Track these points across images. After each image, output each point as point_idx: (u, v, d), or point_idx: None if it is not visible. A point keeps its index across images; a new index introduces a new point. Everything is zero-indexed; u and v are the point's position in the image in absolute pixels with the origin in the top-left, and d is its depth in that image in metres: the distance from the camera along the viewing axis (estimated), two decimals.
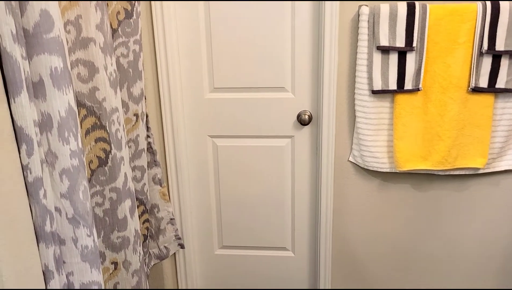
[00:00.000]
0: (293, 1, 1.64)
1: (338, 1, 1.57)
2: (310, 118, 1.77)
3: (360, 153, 1.72)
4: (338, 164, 1.79)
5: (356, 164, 1.77)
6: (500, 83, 1.53)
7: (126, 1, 1.43)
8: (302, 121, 1.76)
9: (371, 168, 1.72)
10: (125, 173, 1.37)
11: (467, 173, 1.68)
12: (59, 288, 0.99)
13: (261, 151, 1.86)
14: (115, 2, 1.39)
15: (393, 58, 1.54)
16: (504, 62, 1.51)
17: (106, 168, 1.31)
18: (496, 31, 1.47)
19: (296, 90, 1.76)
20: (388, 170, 1.71)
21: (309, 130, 1.81)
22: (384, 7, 1.50)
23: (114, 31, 1.43)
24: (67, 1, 1.13)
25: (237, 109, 1.80)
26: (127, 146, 1.41)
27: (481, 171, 1.67)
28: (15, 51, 0.85)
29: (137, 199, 1.65)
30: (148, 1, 1.62)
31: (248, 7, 1.66)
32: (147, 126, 1.67)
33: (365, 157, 1.71)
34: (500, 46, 1.48)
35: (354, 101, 1.67)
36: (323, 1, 1.58)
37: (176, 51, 1.70)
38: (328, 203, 1.83)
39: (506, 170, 1.70)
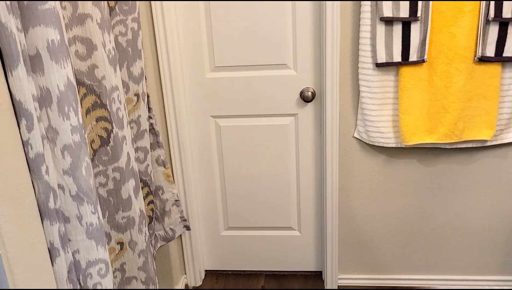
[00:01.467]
0: None
1: None
2: (314, 94, 1.74)
3: (365, 129, 1.69)
4: (343, 140, 1.77)
5: (361, 140, 1.75)
6: (508, 52, 1.49)
7: None
8: (305, 98, 1.73)
9: (376, 144, 1.69)
10: (128, 153, 1.35)
11: (474, 145, 1.65)
12: (65, 265, 0.98)
13: (264, 130, 1.84)
14: None
15: (397, 29, 1.51)
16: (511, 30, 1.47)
17: (108, 147, 1.29)
18: None
19: (299, 67, 1.73)
20: (394, 145, 1.68)
21: (312, 107, 1.78)
22: None
23: (111, 9, 1.40)
24: None
25: (239, 88, 1.77)
26: (128, 126, 1.39)
27: (488, 144, 1.65)
28: (10, 23, 0.82)
29: (141, 180, 1.63)
30: None
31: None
32: (148, 107, 1.65)
33: (370, 133, 1.68)
34: (507, 13, 1.44)
35: (358, 76, 1.64)
36: None
37: (175, 30, 1.67)
38: (333, 180, 1.81)
39: None
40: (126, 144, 1.34)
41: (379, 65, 1.55)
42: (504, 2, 1.43)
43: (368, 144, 1.75)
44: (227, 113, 1.82)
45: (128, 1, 1.43)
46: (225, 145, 1.87)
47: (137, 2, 1.47)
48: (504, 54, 1.50)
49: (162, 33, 1.65)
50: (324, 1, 1.57)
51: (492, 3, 1.44)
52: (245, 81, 1.76)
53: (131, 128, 1.55)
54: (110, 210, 1.35)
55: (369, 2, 1.51)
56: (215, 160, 1.90)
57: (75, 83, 0.99)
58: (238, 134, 1.85)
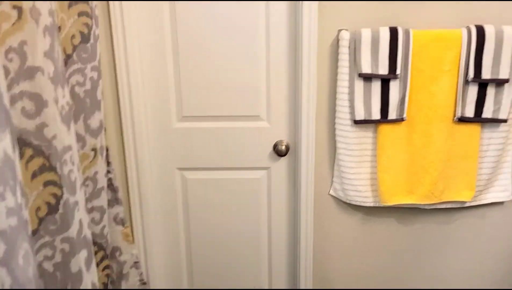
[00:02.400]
0: (267, 24, 1.52)
1: (317, 25, 1.46)
2: (288, 148, 1.64)
3: (342, 187, 1.60)
4: (318, 197, 1.67)
5: (337, 198, 1.65)
6: (487, 113, 1.45)
7: (82, 24, 1.27)
8: (279, 152, 1.63)
9: (353, 203, 1.60)
10: (80, 220, 1.19)
11: (453, 206, 1.59)
12: None
13: (235, 184, 1.71)
14: (69, 25, 1.23)
15: (376, 86, 1.44)
16: (491, 91, 1.43)
17: (56, 215, 1.12)
18: (482, 59, 1.40)
19: (272, 119, 1.63)
20: (372, 204, 1.59)
21: (286, 161, 1.68)
22: (366, 32, 1.40)
23: (68, 57, 1.26)
24: (9, 26, 0.96)
25: (209, 139, 1.65)
26: (82, 187, 1.23)
27: (467, 205, 1.59)
28: None
29: (95, 244, 1.46)
30: (108, 23, 1.47)
31: (220, 29, 1.52)
32: (107, 161, 1.49)
33: (347, 191, 1.59)
34: (486, 74, 1.41)
35: (334, 131, 1.55)
36: (300, 24, 1.47)
37: (140, 77, 1.54)
38: (307, 239, 1.70)
39: (492, 202, 1.62)
40: (78, 211, 1.18)
41: (357, 122, 1.48)
42: (483, 63, 1.40)
43: (345, 202, 1.65)
44: (195, 165, 1.68)
45: (87, 48, 1.30)
46: (192, 199, 1.72)
47: (98, 49, 1.34)
48: (483, 115, 1.45)
49: (125, 81, 1.52)
50: (300, 52, 1.49)
51: (472, 64, 1.40)
52: (214, 132, 1.64)
53: (86, 186, 1.39)
54: (56, 287, 1.17)
55: (347, 57, 1.44)
56: (180, 216, 1.75)
57: (14, 155, 0.83)
58: (206, 187, 1.71)
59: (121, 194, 1.57)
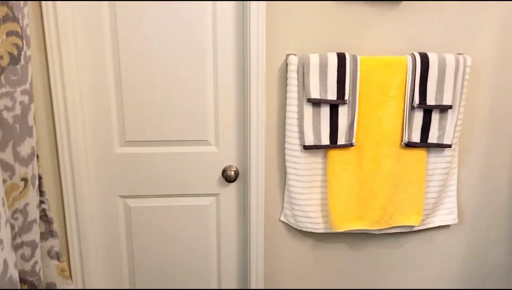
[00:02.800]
0: (215, 46, 1.48)
1: (265, 49, 1.43)
2: (237, 174, 1.59)
3: (292, 213, 1.56)
4: (269, 224, 1.62)
5: (288, 224, 1.61)
6: (432, 138, 1.47)
7: (11, 44, 1.17)
8: (228, 178, 1.57)
9: (304, 229, 1.57)
10: (5, 260, 1.07)
11: (402, 231, 1.59)
12: None
13: (182, 211, 1.63)
14: None
15: (325, 111, 1.43)
16: (435, 117, 1.46)
17: None
18: (426, 85, 1.42)
19: (221, 144, 1.58)
20: (323, 231, 1.57)
21: (236, 187, 1.62)
22: (314, 58, 1.39)
23: None
24: None
25: (154, 165, 1.57)
26: (8, 223, 1.11)
27: (415, 229, 1.59)
28: None
29: (26, 282, 1.33)
30: (43, 42, 1.37)
31: (167, 51, 1.46)
32: (40, 191, 1.38)
33: (297, 217, 1.55)
34: (430, 100, 1.43)
35: (284, 156, 1.52)
36: (248, 48, 1.44)
37: (78, 100, 1.44)
38: (258, 266, 1.64)
39: (440, 225, 1.64)
40: (2, 250, 1.06)
41: (306, 148, 1.45)
42: (428, 89, 1.42)
43: (296, 228, 1.61)
44: (139, 192, 1.59)
45: (17, 70, 1.19)
46: (136, 229, 1.63)
47: (30, 70, 1.24)
48: (429, 141, 1.47)
49: (61, 104, 1.41)
50: (248, 76, 1.46)
51: (417, 90, 1.42)
52: (160, 158, 1.56)
53: (15, 219, 1.27)
54: None
55: (296, 82, 1.42)
56: (123, 247, 1.64)
57: None
58: (151, 215, 1.62)
59: (56, 226, 1.45)
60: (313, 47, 1.46)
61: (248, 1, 1.39)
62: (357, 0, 1.42)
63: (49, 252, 1.45)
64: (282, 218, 1.61)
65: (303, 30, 1.44)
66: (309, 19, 1.43)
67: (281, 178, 1.57)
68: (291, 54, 1.44)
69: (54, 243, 1.45)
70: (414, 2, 1.44)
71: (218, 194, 1.63)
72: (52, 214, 1.45)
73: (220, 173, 1.60)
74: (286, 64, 1.44)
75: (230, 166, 1.59)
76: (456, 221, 1.61)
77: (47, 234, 1.43)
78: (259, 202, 1.58)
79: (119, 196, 1.59)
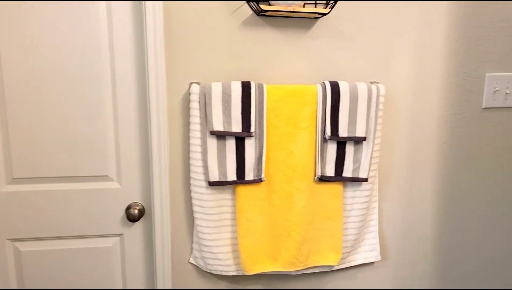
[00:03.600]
0: (113, 74, 1.35)
1: (164, 76, 1.31)
2: (142, 212, 1.44)
3: (201, 255, 1.42)
4: (178, 266, 1.47)
5: (198, 266, 1.47)
6: (347, 172, 1.38)
7: None
8: (131, 217, 1.42)
9: (214, 272, 1.43)
10: None
11: (321, 270, 1.48)
12: None
13: (81, 254, 1.46)
14: None
15: (231, 144, 1.31)
16: (349, 149, 1.37)
17: None
18: (338, 116, 1.33)
19: (123, 179, 1.43)
20: (235, 273, 1.43)
21: (141, 226, 1.48)
22: (216, 87, 1.28)
23: None
24: None
25: (46, 204, 1.40)
26: None
27: (335, 268, 1.49)
28: None
29: None
30: None
31: (57, 79, 1.32)
32: None
33: (207, 259, 1.42)
34: (343, 132, 1.34)
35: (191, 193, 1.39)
36: (147, 76, 1.31)
37: None
38: None
39: (362, 263, 1.54)
40: None
41: (212, 184, 1.33)
42: (340, 120, 1.33)
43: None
44: (30, 235, 1.42)
45: None
46: (28, 275, 1.44)
47: None
48: (344, 174, 1.38)
49: None
50: (148, 106, 1.33)
51: (328, 121, 1.33)
52: (54, 196, 1.40)
53: None
54: None
55: (198, 113, 1.30)
56: None
57: None
58: (46, 261, 1.45)
59: None
60: (219, 75, 1.35)
61: (145, 24, 1.27)
62: (265, 26, 1.33)
63: None
64: (192, 260, 1.47)
65: (209, 56, 1.33)
66: (215, 45, 1.33)
67: (189, 218, 1.44)
68: (194, 82, 1.33)
69: None
70: (324, 29, 1.36)
71: (122, 234, 1.47)
72: None
73: (123, 212, 1.45)
74: (190, 94, 1.32)
75: (135, 204, 1.45)
76: (379, 258, 1.52)
77: None
78: (164, 243, 1.43)
79: (8, 239, 1.41)
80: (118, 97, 1.37)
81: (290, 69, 1.37)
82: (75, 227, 1.44)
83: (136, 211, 1.42)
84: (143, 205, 1.46)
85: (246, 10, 1.32)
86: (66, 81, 1.33)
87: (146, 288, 1.52)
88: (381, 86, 1.37)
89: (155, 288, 1.46)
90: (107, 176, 1.42)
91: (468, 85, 1.47)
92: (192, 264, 1.48)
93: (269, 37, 1.35)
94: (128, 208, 1.44)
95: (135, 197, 1.45)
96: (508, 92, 1.49)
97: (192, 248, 1.46)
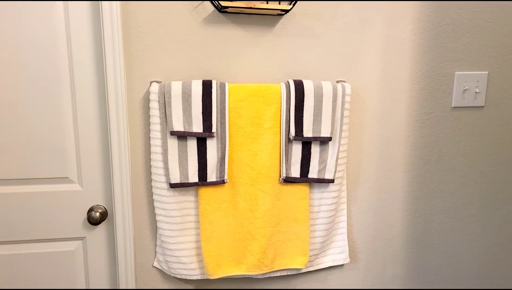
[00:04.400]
0: (72, 72, 1.30)
1: (123, 75, 1.27)
2: (105, 214, 1.40)
3: (165, 258, 1.39)
4: (141, 270, 1.44)
5: (162, 270, 1.43)
6: (313, 173, 1.35)
7: None
8: (92, 219, 1.37)
9: (178, 276, 1.39)
10: None
11: (289, 273, 1.45)
12: None
13: (43, 258, 1.42)
14: None
15: (192, 145, 1.28)
16: (315, 150, 1.34)
17: None
18: (302, 116, 1.30)
19: (85, 181, 1.39)
20: (199, 277, 1.40)
21: (105, 228, 1.43)
22: (176, 86, 1.24)
23: None
24: None
25: (5, 207, 1.36)
26: None
27: (304, 271, 1.45)
28: None
29: None
30: None
31: (12, 77, 1.27)
32: None
33: (170, 263, 1.38)
34: (307, 132, 1.31)
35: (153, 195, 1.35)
36: (105, 75, 1.27)
37: None
38: None
39: (331, 266, 1.51)
40: None
41: (173, 186, 1.29)
42: (304, 120, 1.30)
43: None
44: None
45: None
46: None
47: None
48: (310, 175, 1.35)
49: None
50: (107, 105, 1.29)
51: (292, 121, 1.30)
52: (11, 198, 1.35)
53: None
54: None
55: (157, 112, 1.27)
56: None
57: None
58: (4, 266, 1.40)
59: None
60: (180, 73, 1.31)
61: (102, 23, 1.23)
62: (228, 24, 1.30)
63: None
64: (156, 264, 1.43)
65: (170, 55, 1.29)
66: (177, 43, 1.29)
67: (153, 221, 1.40)
68: (154, 81, 1.29)
69: None
70: (289, 26, 1.33)
71: (84, 237, 1.43)
72: None
73: (85, 214, 1.41)
74: (150, 93, 1.28)
75: (97, 206, 1.41)
76: (348, 260, 1.49)
77: None
78: (127, 246, 1.40)
79: None
80: (77, 97, 1.32)
81: (254, 67, 1.34)
82: (35, 230, 1.39)
83: (97, 214, 1.38)
84: (106, 207, 1.42)
85: (208, 6, 1.28)
86: (24, 81, 1.28)
87: None
88: (347, 85, 1.34)
89: None
90: (67, 178, 1.38)
91: (437, 84, 1.45)
92: (156, 268, 1.44)
93: (232, 35, 1.31)
94: (90, 210, 1.40)
95: (97, 200, 1.41)
96: (478, 91, 1.46)
97: (156, 252, 1.42)
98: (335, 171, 1.36)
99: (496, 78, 1.48)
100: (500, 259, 1.64)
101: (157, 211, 1.35)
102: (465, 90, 1.46)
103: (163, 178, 1.31)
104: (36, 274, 1.43)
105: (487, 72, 1.46)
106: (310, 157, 1.34)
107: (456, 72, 1.44)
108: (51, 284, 1.44)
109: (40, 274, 1.43)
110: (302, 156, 1.33)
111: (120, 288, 1.42)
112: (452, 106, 1.47)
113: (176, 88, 1.24)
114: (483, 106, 1.49)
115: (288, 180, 1.34)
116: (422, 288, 1.62)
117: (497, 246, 1.62)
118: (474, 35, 1.44)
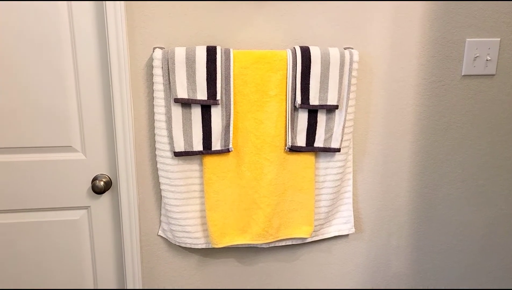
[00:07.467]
0: (73, 39, 1.27)
1: (126, 41, 1.24)
2: (109, 184, 1.40)
3: (170, 227, 1.39)
4: (146, 239, 1.44)
5: (167, 239, 1.43)
6: (319, 142, 1.33)
7: None
8: (96, 189, 1.37)
9: (183, 245, 1.39)
10: None
11: (293, 243, 1.45)
12: None
13: (48, 227, 1.43)
14: None
15: (196, 113, 1.26)
16: (321, 118, 1.31)
17: None
18: (309, 83, 1.27)
19: (88, 150, 1.38)
20: (204, 246, 1.40)
21: (109, 198, 1.43)
22: (180, 51, 1.21)
23: None
24: None
25: (8, 175, 1.35)
26: None
27: (309, 240, 1.45)
28: None
29: None
30: None
31: (13, 45, 1.25)
32: None
33: (175, 232, 1.38)
34: (314, 100, 1.28)
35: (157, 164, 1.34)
36: (107, 40, 1.24)
37: None
38: (135, 287, 1.46)
39: (336, 236, 1.51)
40: None
41: (177, 154, 1.28)
42: (310, 87, 1.27)
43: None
44: None
45: None
46: None
47: None
48: (316, 144, 1.33)
49: None
50: (110, 73, 1.26)
51: (299, 89, 1.27)
52: (15, 167, 1.35)
53: None
54: None
55: (161, 79, 1.24)
56: None
57: None
58: (10, 234, 1.41)
59: None
60: (185, 40, 1.28)
61: None
62: None
63: None
64: (161, 233, 1.43)
65: (174, 20, 1.26)
66: (181, 8, 1.25)
67: (157, 190, 1.40)
68: (157, 47, 1.26)
69: None
70: None
71: (89, 206, 1.43)
72: None
73: (90, 184, 1.41)
74: (153, 59, 1.25)
75: (102, 175, 1.40)
76: (353, 230, 1.48)
77: None
78: (131, 215, 1.40)
79: None
80: (79, 64, 1.30)
81: (260, 34, 1.31)
82: (40, 199, 1.39)
83: (102, 183, 1.38)
84: (110, 177, 1.41)
85: None
86: (24, 47, 1.26)
87: (115, 261, 1.48)
88: (355, 51, 1.30)
89: (124, 261, 1.43)
90: (70, 146, 1.37)
91: (447, 51, 1.41)
92: (161, 237, 1.44)
93: (237, 0, 1.27)
94: (94, 179, 1.39)
95: (102, 169, 1.40)
96: (489, 58, 1.42)
97: (160, 221, 1.42)
98: (341, 140, 1.34)
99: (508, 46, 1.43)
100: (507, 230, 1.63)
101: (161, 180, 1.34)
102: (476, 57, 1.42)
103: (167, 147, 1.29)
104: (41, 243, 1.44)
105: (499, 39, 1.42)
106: (316, 125, 1.32)
107: (467, 39, 1.40)
108: (57, 252, 1.45)
109: (45, 243, 1.44)
110: (308, 124, 1.31)
111: (126, 256, 1.42)
112: (462, 74, 1.43)
113: (180, 54, 1.21)
114: (494, 74, 1.45)
115: (294, 149, 1.32)
116: (426, 261, 1.62)
117: (503, 217, 1.61)
118: (487, 0, 1.39)
